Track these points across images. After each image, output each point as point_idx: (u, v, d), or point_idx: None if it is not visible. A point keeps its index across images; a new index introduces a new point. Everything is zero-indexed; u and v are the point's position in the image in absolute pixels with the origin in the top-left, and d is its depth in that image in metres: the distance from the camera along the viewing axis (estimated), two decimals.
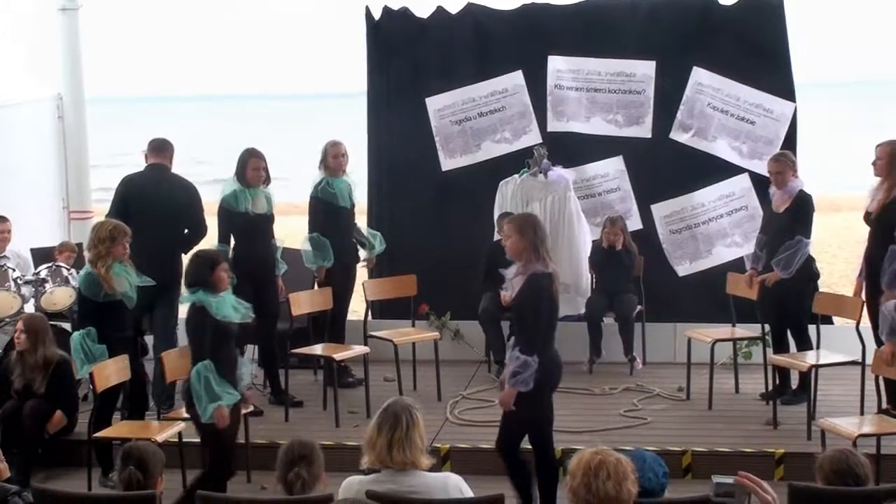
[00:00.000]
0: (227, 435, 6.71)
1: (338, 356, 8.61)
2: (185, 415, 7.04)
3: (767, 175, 8.66)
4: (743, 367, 9.03)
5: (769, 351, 8.64)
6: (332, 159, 9.06)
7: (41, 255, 9.65)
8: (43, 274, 8.92)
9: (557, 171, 9.69)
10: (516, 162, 9.89)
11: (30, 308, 8.76)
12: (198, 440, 6.92)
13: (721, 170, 9.99)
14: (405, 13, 10.38)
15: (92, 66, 11.56)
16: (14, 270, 8.86)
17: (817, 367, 8.01)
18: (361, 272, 9.64)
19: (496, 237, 9.28)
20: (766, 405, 8.35)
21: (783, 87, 9.91)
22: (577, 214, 9.66)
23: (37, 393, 7.85)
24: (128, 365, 7.44)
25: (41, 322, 7.96)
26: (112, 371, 7.32)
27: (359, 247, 9.39)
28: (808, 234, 8.34)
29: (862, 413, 7.80)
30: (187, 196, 8.80)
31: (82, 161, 11.27)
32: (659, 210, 10.11)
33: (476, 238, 9.82)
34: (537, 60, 10.14)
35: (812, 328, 8.39)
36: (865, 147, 8.72)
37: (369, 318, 9.53)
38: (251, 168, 8.67)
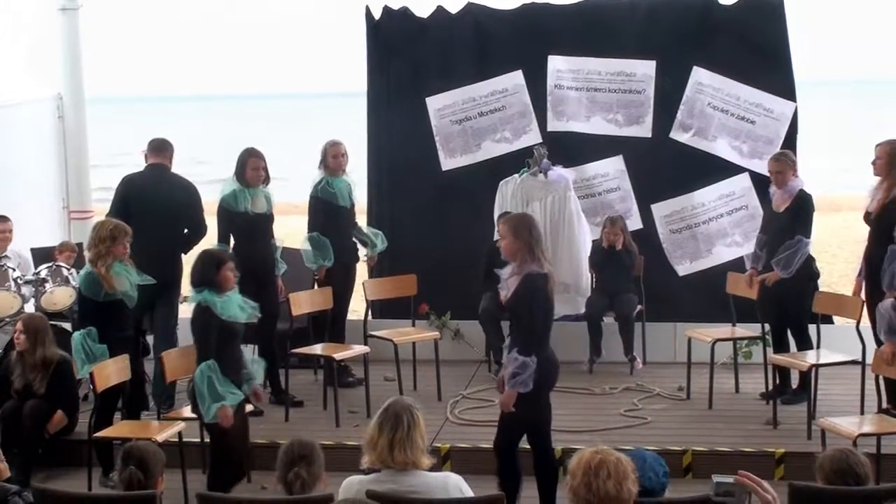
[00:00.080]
0: (232, 435, 6.70)
1: (338, 356, 8.61)
2: (186, 414, 7.03)
3: (767, 174, 8.66)
4: (743, 366, 9.03)
5: (769, 350, 8.63)
6: (332, 159, 9.06)
7: (41, 255, 9.64)
8: (43, 274, 8.90)
9: (557, 171, 9.69)
10: (516, 162, 9.88)
11: (30, 308, 8.74)
12: (198, 440, 6.91)
13: (721, 169, 9.99)
14: (405, 13, 10.37)
15: (92, 66, 11.56)
16: (14, 270, 8.84)
17: (817, 366, 8.01)
18: (362, 272, 9.64)
19: (496, 237, 9.26)
20: (767, 405, 8.35)
21: (783, 86, 9.90)
22: (577, 214, 9.65)
23: (37, 393, 7.84)
24: (128, 365, 7.43)
25: (41, 322, 7.95)
26: (112, 371, 7.31)
27: (360, 245, 9.39)
28: (808, 233, 8.34)
29: (862, 413, 7.80)
30: (187, 196, 8.80)
31: (82, 161, 11.26)
32: (659, 210, 10.10)
33: (476, 238, 9.81)
34: (537, 60, 10.13)
35: (812, 328, 8.38)
36: (866, 146, 8.71)
37: (369, 317, 9.52)
38: (251, 168, 8.67)
